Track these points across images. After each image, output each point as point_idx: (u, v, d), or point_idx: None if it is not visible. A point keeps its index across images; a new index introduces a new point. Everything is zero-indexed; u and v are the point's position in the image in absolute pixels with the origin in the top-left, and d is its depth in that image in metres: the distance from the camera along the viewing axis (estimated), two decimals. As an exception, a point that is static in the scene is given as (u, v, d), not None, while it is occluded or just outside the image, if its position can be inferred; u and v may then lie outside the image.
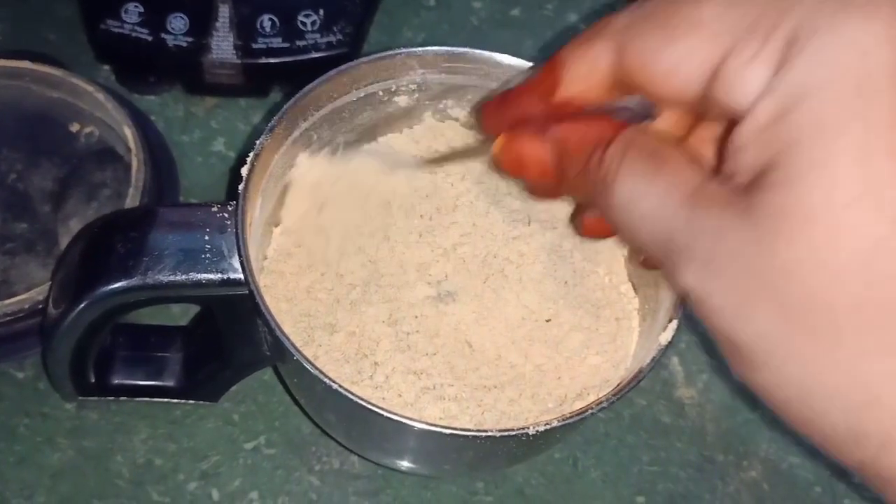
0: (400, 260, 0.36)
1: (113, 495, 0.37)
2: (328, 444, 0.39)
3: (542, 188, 0.29)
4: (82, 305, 0.30)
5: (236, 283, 0.30)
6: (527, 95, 0.28)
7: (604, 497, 0.41)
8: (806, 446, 0.43)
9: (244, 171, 0.31)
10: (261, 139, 0.32)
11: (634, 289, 0.37)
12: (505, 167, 0.28)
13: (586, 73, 0.26)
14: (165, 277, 0.30)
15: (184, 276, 0.30)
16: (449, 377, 0.32)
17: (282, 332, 0.28)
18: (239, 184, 0.31)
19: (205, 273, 0.30)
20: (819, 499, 0.42)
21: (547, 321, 0.35)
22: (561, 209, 0.38)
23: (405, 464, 0.34)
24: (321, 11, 0.49)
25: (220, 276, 0.30)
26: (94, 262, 0.31)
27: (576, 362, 0.34)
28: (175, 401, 0.39)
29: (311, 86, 0.34)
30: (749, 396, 0.44)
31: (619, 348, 0.35)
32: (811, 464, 0.43)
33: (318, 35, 0.49)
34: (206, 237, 0.31)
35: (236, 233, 0.30)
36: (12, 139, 0.45)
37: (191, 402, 0.39)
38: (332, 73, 0.34)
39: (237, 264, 0.30)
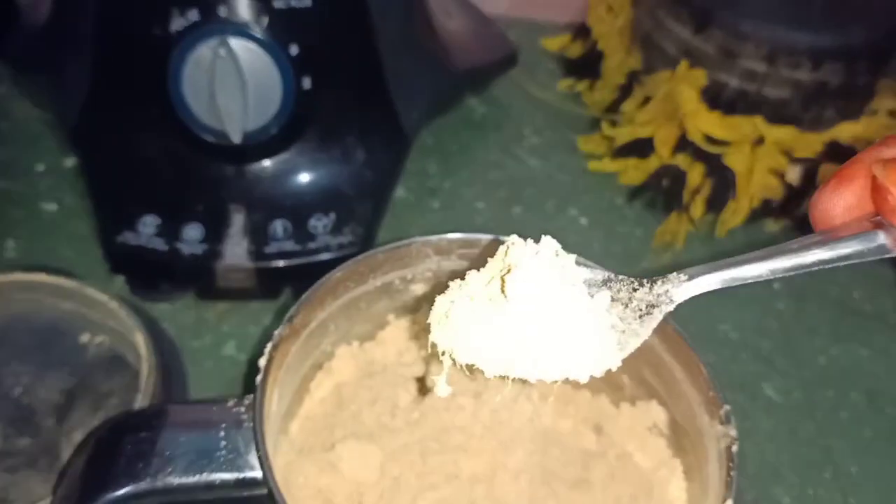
0: (424, 467, 0.34)
1: None
2: None
3: None
4: (85, 517, 0.28)
5: (253, 483, 0.28)
6: None
7: None
8: None
9: (262, 361, 0.30)
10: (279, 330, 0.32)
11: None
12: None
13: None
14: (176, 479, 0.28)
15: (196, 478, 0.28)
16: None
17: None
18: (256, 376, 0.30)
19: (219, 473, 0.28)
20: None
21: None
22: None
23: None
24: (332, 215, 0.50)
25: (236, 475, 0.28)
26: (100, 467, 0.29)
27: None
28: None
29: (328, 276, 0.34)
30: None
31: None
32: None
33: (329, 237, 0.50)
34: (222, 433, 0.29)
35: (254, 427, 0.29)
36: (22, 352, 0.44)
37: None
38: (349, 262, 0.35)
39: (254, 461, 0.28)
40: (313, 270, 0.49)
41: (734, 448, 0.30)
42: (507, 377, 0.28)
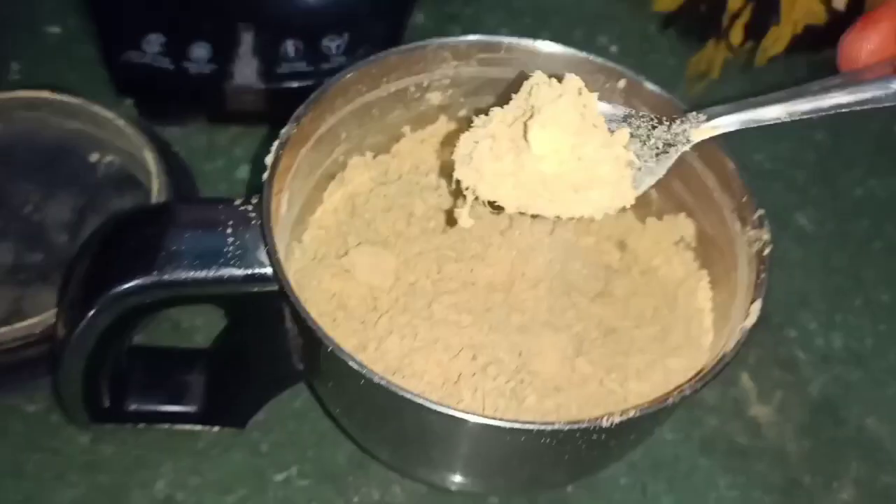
0: (439, 274, 0.33)
1: (131, 537, 0.34)
2: (367, 474, 0.35)
3: None
4: (94, 310, 0.27)
5: (263, 278, 0.27)
6: None
7: (678, 528, 0.36)
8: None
9: (268, 159, 0.29)
10: (286, 128, 0.30)
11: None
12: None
13: None
14: (185, 274, 0.27)
15: (205, 272, 0.27)
16: (506, 378, 0.29)
17: (314, 323, 0.25)
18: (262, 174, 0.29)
19: (228, 268, 0.27)
20: (921, 524, 0.38)
21: (612, 331, 0.32)
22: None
23: (456, 477, 0.30)
24: (346, 35, 0.47)
25: (244, 270, 0.27)
26: (106, 262, 0.28)
27: (648, 366, 0.30)
28: (198, 429, 0.35)
29: (338, 76, 0.32)
30: (831, 413, 0.40)
31: (694, 348, 0.31)
32: (909, 487, 0.38)
33: (342, 58, 0.47)
34: (230, 230, 0.28)
35: (262, 223, 0.27)
36: (29, 172, 0.43)
37: (215, 429, 0.35)
38: (360, 63, 0.32)
39: (263, 258, 0.27)
40: (327, 93, 0.47)
41: (766, 251, 0.28)
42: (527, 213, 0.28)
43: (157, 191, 0.40)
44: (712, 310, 0.32)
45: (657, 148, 0.28)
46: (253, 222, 0.28)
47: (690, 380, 0.26)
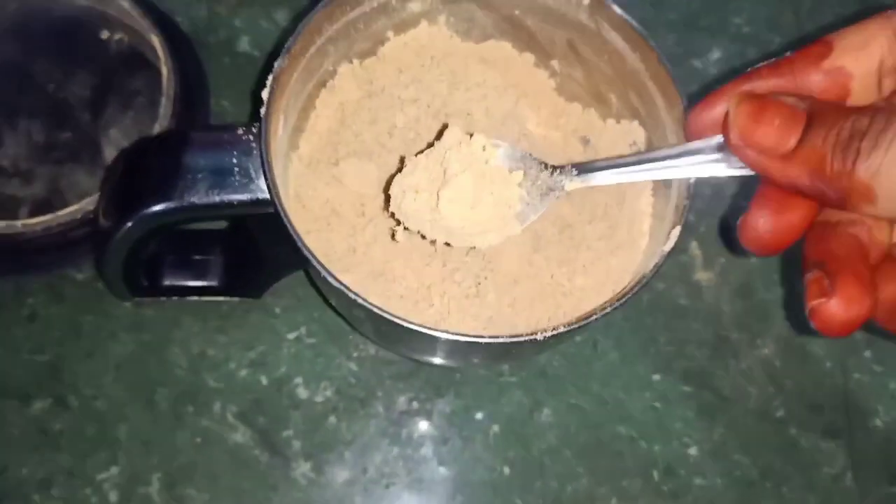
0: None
1: (173, 383, 0.42)
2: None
3: (766, 152, 0.26)
4: (128, 225, 0.33)
5: (265, 202, 0.32)
6: (790, 64, 0.27)
7: (622, 376, 0.43)
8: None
9: (264, 94, 0.33)
10: (278, 62, 0.33)
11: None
12: (741, 118, 0.26)
13: (859, 43, 0.26)
14: (200, 200, 0.32)
15: (217, 198, 0.32)
16: (472, 281, 0.35)
17: (308, 250, 0.30)
18: (260, 107, 0.32)
19: (235, 195, 0.32)
20: (830, 373, 0.45)
21: (568, 226, 0.37)
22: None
23: (435, 359, 0.37)
24: None
25: (249, 196, 0.32)
26: (134, 185, 0.33)
27: (593, 263, 0.36)
28: (221, 299, 0.42)
29: (323, 2, 0.34)
30: (765, 277, 0.46)
31: (633, 249, 0.36)
32: (822, 341, 0.45)
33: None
34: (235, 160, 0.32)
35: (261, 157, 0.32)
36: (47, 49, 0.47)
37: (236, 298, 0.42)
38: (343, -16, 0.35)
39: (264, 185, 0.32)
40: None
41: (691, 181, 0.33)
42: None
43: (166, 77, 0.44)
44: (651, 215, 0.37)
45: (541, 189, 0.33)
46: (254, 152, 0.32)
47: (607, 302, 0.31)
